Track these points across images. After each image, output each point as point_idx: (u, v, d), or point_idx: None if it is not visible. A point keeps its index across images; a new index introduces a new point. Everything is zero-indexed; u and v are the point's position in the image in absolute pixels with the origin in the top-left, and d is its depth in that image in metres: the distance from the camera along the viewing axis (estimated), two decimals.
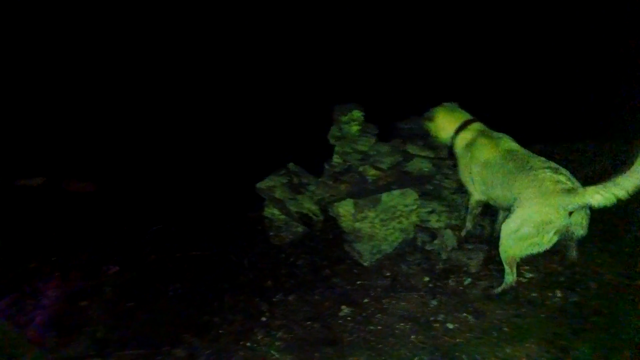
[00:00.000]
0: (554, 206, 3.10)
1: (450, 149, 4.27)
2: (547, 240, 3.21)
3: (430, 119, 4.29)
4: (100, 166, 6.82)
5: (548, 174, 3.22)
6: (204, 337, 3.70)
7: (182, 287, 4.33)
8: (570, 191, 3.08)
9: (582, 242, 3.86)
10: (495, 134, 3.93)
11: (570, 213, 3.15)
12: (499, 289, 3.53)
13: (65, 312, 4.14)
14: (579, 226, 3.32)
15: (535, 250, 3.28)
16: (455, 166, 4.57)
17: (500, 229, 4.02)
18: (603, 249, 3.83)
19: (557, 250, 3.85)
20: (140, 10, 9.59)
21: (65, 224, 5.57)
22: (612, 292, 3.37)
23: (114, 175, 6.60)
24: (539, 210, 3.15)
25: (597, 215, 4.24)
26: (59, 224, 5.59)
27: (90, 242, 5.14)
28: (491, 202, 3.94)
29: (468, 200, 4.17)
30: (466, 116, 4.16)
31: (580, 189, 3.07)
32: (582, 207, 3.16)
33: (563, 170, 3.29)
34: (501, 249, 3.41)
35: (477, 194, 3.98)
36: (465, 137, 4.02)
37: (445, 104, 4.33)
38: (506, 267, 3.44)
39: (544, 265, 3.76)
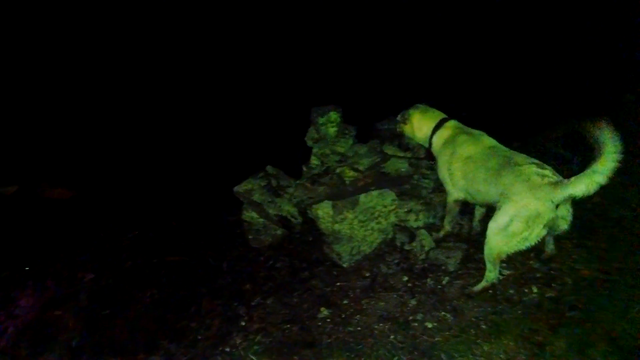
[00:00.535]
0: (543, 199, 3.10)
1: (428, 149, 4.27)
2: (536, 235, 3.19)
3: (405, 121, 4.27)
4: (76, 172, 6.70)
5: (534, 168, 3.23)
6: (180, 342, 3.66)
7: (158, 292, 4.26)
8: (556, 184, 3.08)
9: (558, 238, 3.91)
10: (473, 130, 3.95)
11: (557, 206, 3.16)
12: (479, 287, 3.53)
13: (40, 321, 4.06)
14: (564, 220, 3.31)
15: (524, 245, 3.24)
16: (432, 166, 4.59)
17: (478, 227, 4.05)
18: (579, 244, 3.86)
19: (534, 247, 3.90)
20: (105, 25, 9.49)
21: (40, 232, 5.46)
22: (587, 287, 3.39)
23: (91, 182, 6.49)
24: (528, 204, 3.13)
25: (574, 212, 4.34)
26: (33, 231, 5.48)
27: (66, 249, 5.04)
28: (470, 199, 3.92)
29: (446, 200, 4.16)
30: (441, 115, 4.17)
31: (565, 181, 3.07)
32: (568, 199, 3.17)
33: (546, 166, 3.30)
34: (488, 247, 3.34)
35: (455, 192, 3.94)
36: (442, 135, 4.02)
37: (417, 105, 4.32)
38: (489, 265, 3.41)
39: (521, 262, 3.77)
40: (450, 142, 3.94)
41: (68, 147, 7.35)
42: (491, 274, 3.44)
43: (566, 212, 3.31)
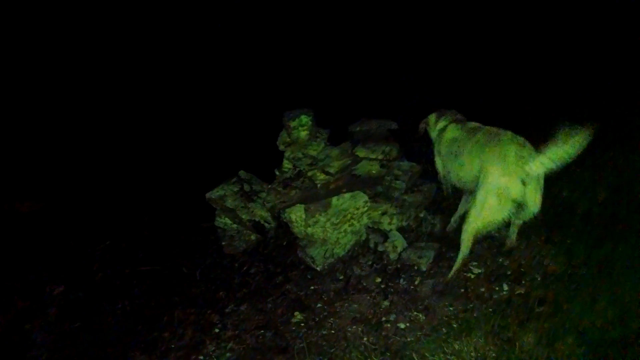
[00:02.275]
0: (512, 175, 3.25)
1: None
2: (507, 210, 3.34)
3: (427, 123, 4.47)
4: (45, 184, 6.56)
5: (514, 147, 3.35)
6: (152, 353, 3.61)
7: (130, 303, 4.20)
8: (525, 162, 3.23)
9: (527, 234, 3.97)
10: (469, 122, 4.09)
11: (524, 183, 3.27)
12: (453, 270, 3.66)
13: (7, 337, 3.96)
14: (532, 201, 3.37)
15: (496, 220, 3.39)
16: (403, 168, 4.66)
17: (456, 222, 4.11)
18: (547, 240, 3.91)
19: (503, 243, 3.95)
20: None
21: (8, 244, 5.33)
22: (555, 281, 3.43)
23: (59, 192, 6.36)
24: (499, 179, 3.30)
25: (542, 207, 4.40)
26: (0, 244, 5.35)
27: (35, 262, 4.93)
28: (459, 185, 4.01)
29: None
30: (453, 115, 4.29)
31: (533, 158, 3.22)
32: (537, 177, 3.30)
33: (528, 144, 3.40)
34: (467, 222, 3.50)
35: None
36: (440, 125, 4.25)
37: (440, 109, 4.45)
38: (464, 243, 3.55)
39: (491, 260, 3.81)
40: (442, 129, 4.19)
41: (34, 159, 7.19)
42: (465, 251, 3.58)
43: (534, 193, 3.37)
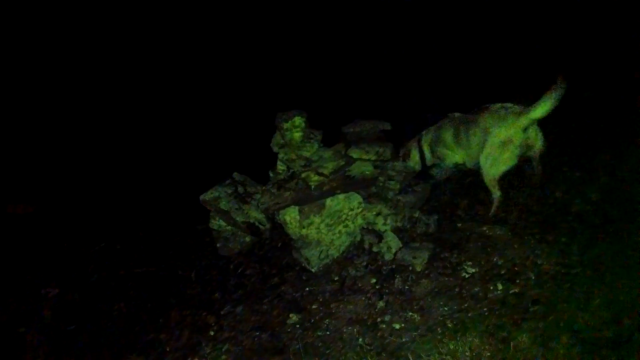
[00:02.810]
0: (511, 126, 4.05)
1: None
2: (515, 154, 4.14)
3: (408, 150, 5.15)
4: (38, 186, 6.53)
5: (499, 105, 4.24)
6: (149, 355, 3.61)
7: (126, 305, 4.20)
8: (520, 113, 4.04)
9: (521, 234, 4.00)
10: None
11: (525, 130, 4.05)
12: (493, 208, 4.35)
13: (2, 339, 3.94)
14: (535, 139, 4.16)
15: (508, 165, 4.19)
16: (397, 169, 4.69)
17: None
18: (541, 239, 3.93)
19: (495, 242, 3.98)
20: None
21: (2, 247, 5.30)
22: (549, 281, 3.44)
23: (53, 195, 6.33)
24: (499, 133, 4.11)
25: (536, 207, 4.43)
26: None
27: (29, 264, 4.91)
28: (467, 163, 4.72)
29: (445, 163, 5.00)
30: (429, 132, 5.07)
31: (525, 110, 4.00)
32: (532, 123, 4.06)
33: (515, 105, 4.18)
34: (484, 175, 4.30)
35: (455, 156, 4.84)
36: (428, 138, 5.06)
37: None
38: (491, 188, 4.32)
39: (486, 259, 3.82)
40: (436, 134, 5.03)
41: (28, 161, 7.15)
42: (496, 193, 4.33)
43: (535, 134, 4.15)
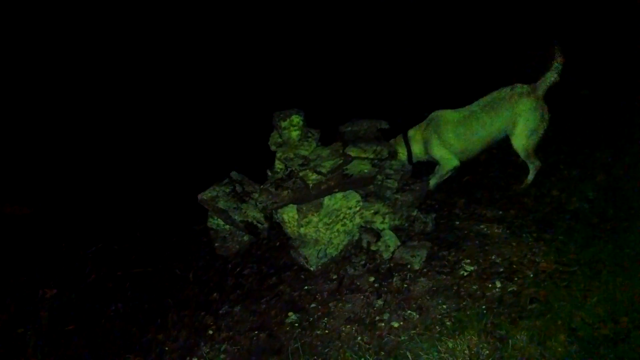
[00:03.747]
0: (537, 101, 4.56)
1: None
2: (545, 123, 4.64)
3: (396, 145, 5.24)
4: (35, 187, 6.51)
5: (508, 88, 4.67)
6: (147, 355, 3.60)
7: (123, 306, 4.18)
8: (534, 88, 4.59)
9: (518, 232, 4.01)
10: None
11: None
12: (530, 175, 4.77)
13: (0, 341, 3.93)
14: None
15: (538, 136, 4.66)
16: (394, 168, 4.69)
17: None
18: (538, 238, 3.95)
19: (493, 240, 3.99)
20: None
21: None
22: (547, 279, 3.46)
23: (49, 195, 6.32)
24: (529, 103, 4.55)
25: (533, 205, 4.45)
26: None
27: (27, 265, 4.89)
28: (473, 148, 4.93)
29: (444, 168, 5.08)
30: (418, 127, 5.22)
31: (538, 83, 4.58)
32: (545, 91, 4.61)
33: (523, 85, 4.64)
34: (521, 150, 4.68)
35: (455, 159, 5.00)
36: (416, 133, 5.22)
37: None
38: (530, 159, 4.71)
39: (483, 258, 3.83)
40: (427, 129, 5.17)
41: (25, 162, 7.13)
42: (536, 162, 4.73)
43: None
